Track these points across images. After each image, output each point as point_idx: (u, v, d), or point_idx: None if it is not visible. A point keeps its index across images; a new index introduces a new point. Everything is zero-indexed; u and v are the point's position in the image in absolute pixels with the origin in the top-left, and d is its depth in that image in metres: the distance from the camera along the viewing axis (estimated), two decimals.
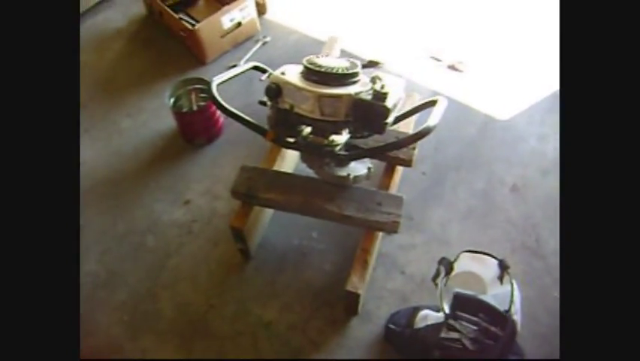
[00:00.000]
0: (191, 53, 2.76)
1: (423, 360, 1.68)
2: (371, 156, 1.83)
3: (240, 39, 2.80)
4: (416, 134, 1.61)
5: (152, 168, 2.37)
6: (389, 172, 2.00)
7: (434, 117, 1.65)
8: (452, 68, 2.63)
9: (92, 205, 2.26)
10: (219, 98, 1.78)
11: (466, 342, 1.59)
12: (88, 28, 3.00)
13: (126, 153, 2.43)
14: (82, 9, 3.00)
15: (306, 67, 1.72)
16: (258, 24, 2.82)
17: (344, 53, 2.53)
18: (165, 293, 1.99)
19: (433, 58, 2.69)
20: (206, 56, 2.71)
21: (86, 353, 1.87)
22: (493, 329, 1.58)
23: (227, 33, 2.71)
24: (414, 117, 2.09)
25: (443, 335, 1.62)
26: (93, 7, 3.05)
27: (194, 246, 2.10)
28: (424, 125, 1.61)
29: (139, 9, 3.02)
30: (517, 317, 1.57)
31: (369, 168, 1.87)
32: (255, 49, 2.78)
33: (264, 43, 2.81)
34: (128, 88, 2.69)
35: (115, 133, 2.51)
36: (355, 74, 1.72)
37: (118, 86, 2.71)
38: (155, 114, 2.54)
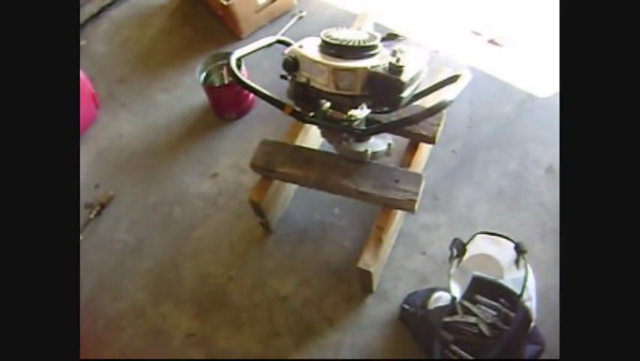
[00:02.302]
0: (227, 28, 2.77)
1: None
2: (387, 132, 1.78)
3: (276, 14, 2.78)
4: (430, 108, 1.55)
5: (183, 141, 2.42)
6: (411, 149, 1.94)
7: (452, 92, 1.57)
8: (492, 42, 2.50)
9: (126, 176, 2.35)
10: (237, 71, 1.77)
11: (483, 327, 1.54)
12: (133, 4, 3.09)
13: (160, 127, 2.49)
14: None
15: (323, 40, 1.69)
16: None
17: (378, 27, 2.46)
18: (188, 263, 2.04)
19: (472, 32, 2.56)
20: (241, 32, 2.71)
21: (114, 317, 1.97)
22: (513, 315, 1.51)
23: (263, 8, 2.70)
24: None
25: (458, 318, 1.57)
26: None
27: (218, 218, 2.14)
28: (440, 100, 1.54)
29: None
30: (530, 303, 1.49)
31: (389, 145, 1.82)
32: (290, 23, 2.75)
33: (300, 18, 2.77)
34: (166, 63, 2.75)
35: (151, 107, 2.58)
36: (373, 47, 1.66)
37: (156, 61, 2.78)
38: (189, 89, 2.58)
